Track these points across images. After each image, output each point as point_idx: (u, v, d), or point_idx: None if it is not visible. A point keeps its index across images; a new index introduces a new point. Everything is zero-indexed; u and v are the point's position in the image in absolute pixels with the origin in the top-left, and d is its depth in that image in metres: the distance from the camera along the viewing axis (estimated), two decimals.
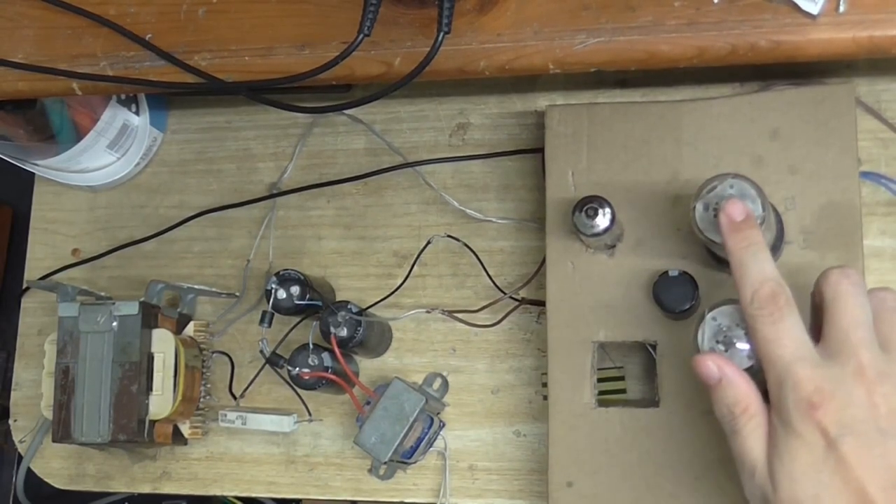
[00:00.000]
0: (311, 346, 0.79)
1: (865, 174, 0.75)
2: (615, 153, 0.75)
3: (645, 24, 0.65)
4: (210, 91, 0.86)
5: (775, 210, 0.70)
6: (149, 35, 0.72)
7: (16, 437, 0.90)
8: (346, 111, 0.88)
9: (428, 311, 0.83)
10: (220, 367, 0.87)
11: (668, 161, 0.74)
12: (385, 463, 0.76)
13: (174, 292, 0.86)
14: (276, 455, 0.85)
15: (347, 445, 0.83)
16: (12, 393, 0.91)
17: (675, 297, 0.71)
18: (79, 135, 0.85)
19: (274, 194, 0.88)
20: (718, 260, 0.71)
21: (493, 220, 0.84)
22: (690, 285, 0.71)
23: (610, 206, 0.70)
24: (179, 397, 0.81)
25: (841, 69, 0.77)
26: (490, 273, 0.82)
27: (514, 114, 0.85)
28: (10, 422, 0.91)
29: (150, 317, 0.81)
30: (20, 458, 0.90)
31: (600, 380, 0.76)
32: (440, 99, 0.87)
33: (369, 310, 0.82)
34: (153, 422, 0.81)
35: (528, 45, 0.67)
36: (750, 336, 0.58)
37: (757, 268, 0.58)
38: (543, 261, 0.77)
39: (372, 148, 0.88)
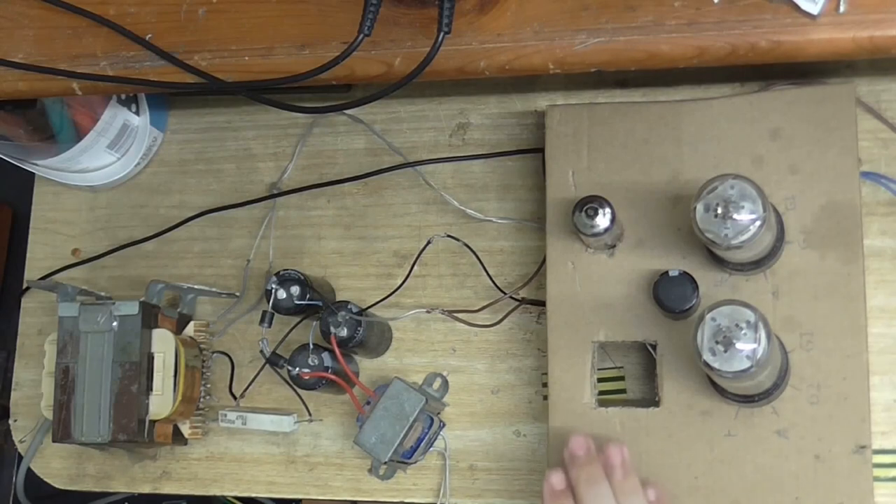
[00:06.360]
0: (311, 346, 0.79)
1: (865, 174, 0.75)
2: (615, 153, 0.75)
3: (645, 24, 0.65)
4: (210, 91, 0.86)
5: (775, 210, 0.70)
6: (149, 35, 0.72)
7: (16, 437, 0.90)
8: (346, 111, 0.88)
9: (428, 311, 0.83)
10: (220, 367, 0.87)
11: (668, 161, 0.74)
12: (385, 463, 0.76)
13: (174, 292, 0.86)
14: (276, 455, 0.85)
15: (347, 445, 0.83)
16: (12, 393, 0.91)
17: (675, 297, 0.71)
18: (79, 135, 0.85)
19: (274, 194, 0.88)
20: (718, 260, 0.71)
21: (493, 220, 0.84)
22: (690, 285, 0.71)
23: (610, 206, 0.70)
24: (179, 397, 0.81)
25: (841, 69, 0.77)
26: (490, 273, 0.82)
27: (514, 114, 0.85)
28: (10, 422, 0.91)
29: (150, 317, 0.81)
30: (20, 458, 0.90)
31: (600, 380, 0.76)
32: (440, 99, 0.87)
33: (369, 310, 0.82)
34: (153, 422, 0.81)
35: (528, 45, 0.67)
36: None
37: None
38: (543, 261, 0.77)
39: (372, 148, 0.88)
